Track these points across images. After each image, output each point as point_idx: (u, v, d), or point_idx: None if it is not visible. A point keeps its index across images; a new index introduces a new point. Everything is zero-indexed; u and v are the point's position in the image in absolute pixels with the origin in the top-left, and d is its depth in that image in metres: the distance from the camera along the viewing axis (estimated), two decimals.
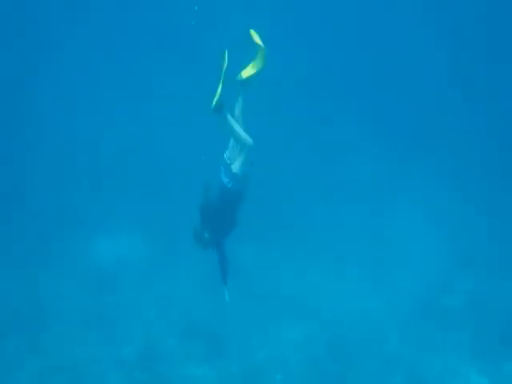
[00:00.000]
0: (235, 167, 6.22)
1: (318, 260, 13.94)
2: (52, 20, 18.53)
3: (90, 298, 12.91)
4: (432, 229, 14.53)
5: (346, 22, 18.57)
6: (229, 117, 5.98)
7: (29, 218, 15.41)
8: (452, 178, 16.17)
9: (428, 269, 13.45)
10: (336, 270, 13.72)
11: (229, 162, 6.27)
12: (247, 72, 6.12)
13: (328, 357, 11.35)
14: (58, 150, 17.58)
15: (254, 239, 13.77)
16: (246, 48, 5.95)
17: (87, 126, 18.25)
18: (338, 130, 17.71)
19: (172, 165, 16.51)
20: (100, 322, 12.23)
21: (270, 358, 11.33)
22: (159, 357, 11.46)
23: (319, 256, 14.03)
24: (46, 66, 18.59)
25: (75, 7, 18.52)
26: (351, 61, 18.79)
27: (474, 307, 12.44)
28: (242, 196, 6.39)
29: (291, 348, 11.61)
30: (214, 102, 5.83)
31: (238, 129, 6.08)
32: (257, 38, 6.14)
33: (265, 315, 12.20)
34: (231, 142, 6.32)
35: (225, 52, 6.06)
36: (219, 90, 5.81)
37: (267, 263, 13.84)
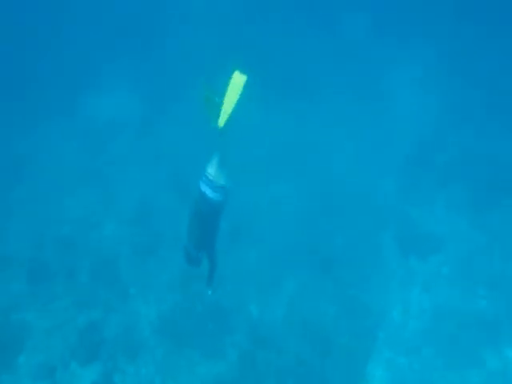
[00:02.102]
0: (222, 180, 6.52)
1: (314, 117, 14.32)
2: None
3: (86, 155, 13.75)
4: (426, 83, 14.92)
5: None
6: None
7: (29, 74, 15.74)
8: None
9: (420, 123, 14.02)
10: (327, 128, 14.04)
11: (211, 177, 6.49)
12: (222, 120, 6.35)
13: (318, 209, 12.05)
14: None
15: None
16: None
17: None
18: None
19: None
20: (96, 178, 13.11)
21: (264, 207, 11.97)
22: (152, 211, 12.22)
23: (316, 112, 14.43)
24: None
25: None
26: None
27: (463, 160, 12.94)
28: (227, 203, 6.68)
29: (284, 201, 12.29)
30: (221, 123, 6.26)
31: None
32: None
33: (257, 170, 12.47)
34: (214, 157, 6.56)
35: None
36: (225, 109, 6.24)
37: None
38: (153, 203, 12.38)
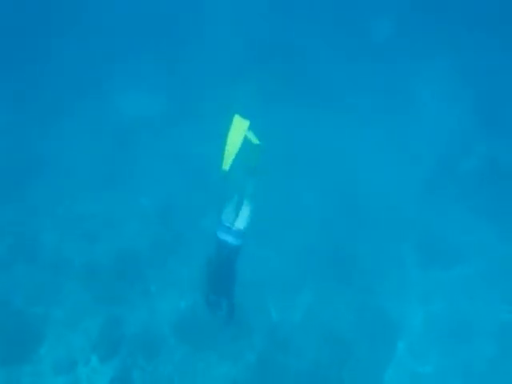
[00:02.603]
0: (240, 224, 6.94)
1: (335, 118, 14.19)
2: None
3: (109, 152, 13.69)
4: (454, 91, 14.72)
5: None
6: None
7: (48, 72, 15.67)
8: None
9: (447, 132, 13.88)
10: (353, 130, 14.04)
11: (228, 224, 6.93)
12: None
13: (341, 216, 12.08)
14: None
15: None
16: None
17: None
18: None
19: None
20: (119, 176, 13.11)
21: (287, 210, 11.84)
22: (175, 210, 12.26)
23: (337, 114, 14.30)
24: None
25: None
26: None
27: (490, 171, 12.89)
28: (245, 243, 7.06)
29: (307, 205, 12.28)
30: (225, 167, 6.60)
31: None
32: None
33: (281, 173, 12.35)
34: (227, 205, 7.05)
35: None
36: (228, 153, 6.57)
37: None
38: (176, 202, 12.40)
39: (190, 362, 9.93)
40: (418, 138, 13.86)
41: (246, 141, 6.76)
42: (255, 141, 6.81)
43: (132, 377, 9.70)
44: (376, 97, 14.79)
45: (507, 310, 10.45)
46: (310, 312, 10.54)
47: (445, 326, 10.44)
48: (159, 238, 11.62)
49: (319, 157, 13.21)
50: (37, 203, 12.35)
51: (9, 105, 14.79)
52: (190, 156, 13.38)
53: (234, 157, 6.57)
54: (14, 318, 10.21)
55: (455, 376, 9.71)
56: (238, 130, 6.59)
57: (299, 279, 10.99)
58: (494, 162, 12.98)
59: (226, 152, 6.55)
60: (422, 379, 9.76)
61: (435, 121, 14.31)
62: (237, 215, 7.01)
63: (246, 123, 6.65)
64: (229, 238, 6.88)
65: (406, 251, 11.67)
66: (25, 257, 11.17)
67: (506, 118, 13.81)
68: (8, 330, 10.02)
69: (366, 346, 10.04)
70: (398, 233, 11.90)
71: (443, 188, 12.72)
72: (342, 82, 15.12)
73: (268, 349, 10.07)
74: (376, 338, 10.16)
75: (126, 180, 12.97)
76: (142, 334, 10.22)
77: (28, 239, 11.50)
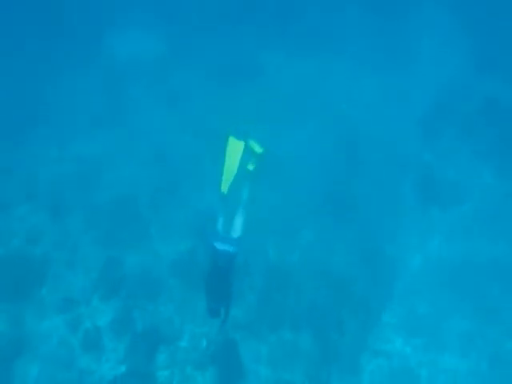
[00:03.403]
0: (236, 232, 7.36)
1: (338, 64, 14.06)
2: None
3: (106, 96, 13.63)
4: (452, 31, 14.38)
5: None
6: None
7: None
8: None
9: (445, 71, 13.63)
10: (352, 75, 13.86)
11: (225, 234, 7.35)
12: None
13: (340, 156, 11.95)
14: None
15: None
16: None
17: None
18: None
19: None
20: (115, 119, 13.04)
21: (286, 152, 11.68)
22: (172, 153, 12.20)
23: (340, 59, 14.16)
24: None
25: None
26: None
27: (489, 109, 12.58)
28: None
29: (306, 146, 12.13)
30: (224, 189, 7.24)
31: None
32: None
33: (282, 115, 12.50)
34: (220, 216, 7.44)
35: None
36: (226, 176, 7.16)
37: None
38: (173, 145, 12.27)
39: (191, 303, 10.00)
40: (418, 80, 13.45)
41: (248, 149, 7.27)
42: (258, 149, 7.26)
43: (133, 316, 9.81)
44: (375, 39, 14.33)
45: (505, 249, 10.33)
46: (309, 252, 10.48)
47: (444, 265, 10.37)
48: (158, 181, 11.55)
49: (316, 99, 12.98)
50: (33, 145, 12.31)
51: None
52: (189, 100, 13.15)
53: (232, 179, 7.15)
54: (15, 259, 10.34)
55: (454, 314, 9.71)
56: (234, 152, 7.08)
57: (298, 220, 10.90)
58: (494, 102, 12.59)
59: (225, 175, 7.05)
60: (421, 318, 9.77)
61: (435, 62, 13.88)
62: (232, 223, 7.43)
63: (241, 144, 7.08)
64: (225, 247, 7.23)
65: (405, 191, 11.49)
66: (24, 198, 11.21)
67: (506, 59, 13.31)
68: (10, 270, 10.15)
69: (365, 285, 10.02)
70: (398, 173, 11.70)
71: (443, 128, 12.42)
72: (340, 22, 14.69)
73: (267, 289, 10.10)
74: (375, 278, 10.13)
75: (122, 123, 12.83)
76: (142, 275, 10.29)
77: (26, 180, 11.52)
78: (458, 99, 12.97)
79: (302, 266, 10.30)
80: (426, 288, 10.09)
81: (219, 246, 7.22)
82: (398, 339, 9.58)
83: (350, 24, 14.62)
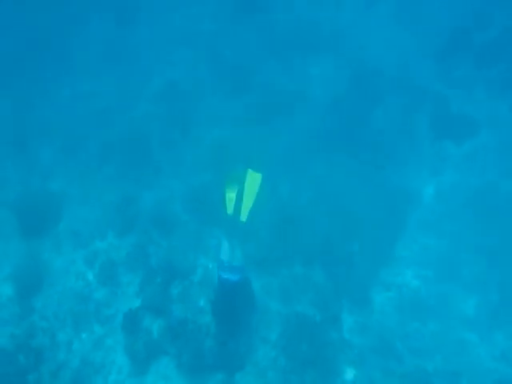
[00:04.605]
0: (237, 260, 7.57)
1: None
2: None
3: (116, 31, 13.72)
4: None
5: None
6: None
7: None
8: None
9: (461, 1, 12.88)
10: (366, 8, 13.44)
11: (227, 264, 7.48)
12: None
13: (353, 91, 11.60)
14: None
15: None
16: None
17: None
18: None
19: None
20: (127, 57, 13.10)
21: (297, 90, 11.57)
22: (184, 91, 12.13)
23: None
24: None
25: None
26: None
27: (507, 41, 11.89)
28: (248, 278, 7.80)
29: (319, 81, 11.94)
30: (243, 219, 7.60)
31: None
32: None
33: (290, 49, 12.39)
34: (223, 245, 7.66)
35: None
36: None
37: None
38: (185, 82, 12.05)
39: (204, 238, 10.10)
40: (434, 7, 12.69)
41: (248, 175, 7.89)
42: (257, 177, 7.88)
43: (148, 251, 9.95)
44: None
45: None
46: (321, 187, 10.25)
47: (457, 199, 10.07)
48: (169, 118, 11.44)
49: (332, 31, 12.46)
50: (45, 82, 12.30)
51: None
52: (201, 33, 12.79)
53: (250, 208, 7.61)
54: (32, 196, 10.59)
55: (467, 248, 9.57)
56: (253, 183, 7.71)
57: (311, 155, 10.68)
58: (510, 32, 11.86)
59: (243, 205, 7.56)
60: (433, 252, 9.63)
61: None
62: (233, 252, 7.67)
63: (258, 176, 7.79)
64: (229, 276, 7.41)
65: (419, 124, 11.04)
66: (38, 138, 11.30)
67: None
68: (27, 207, 10.41)
69: (377, 219, 9.88)
70: (411, 105, 11.15)
71: (459, 59, 11.74)
72: None
73: (280, 224, 10.09)
74: (387, 211, 9.96)
75: (132, 61, 12.66)
76: (155, 212, 10.36)
77: (41, 119, 11.57)
78: (474, 29, 12.13)
79: (314, 202, 10.15)
80: (439, 221, 9.87)
81: (224, 274, 7.44)
82: (408, 272, 9.54)
83: None
